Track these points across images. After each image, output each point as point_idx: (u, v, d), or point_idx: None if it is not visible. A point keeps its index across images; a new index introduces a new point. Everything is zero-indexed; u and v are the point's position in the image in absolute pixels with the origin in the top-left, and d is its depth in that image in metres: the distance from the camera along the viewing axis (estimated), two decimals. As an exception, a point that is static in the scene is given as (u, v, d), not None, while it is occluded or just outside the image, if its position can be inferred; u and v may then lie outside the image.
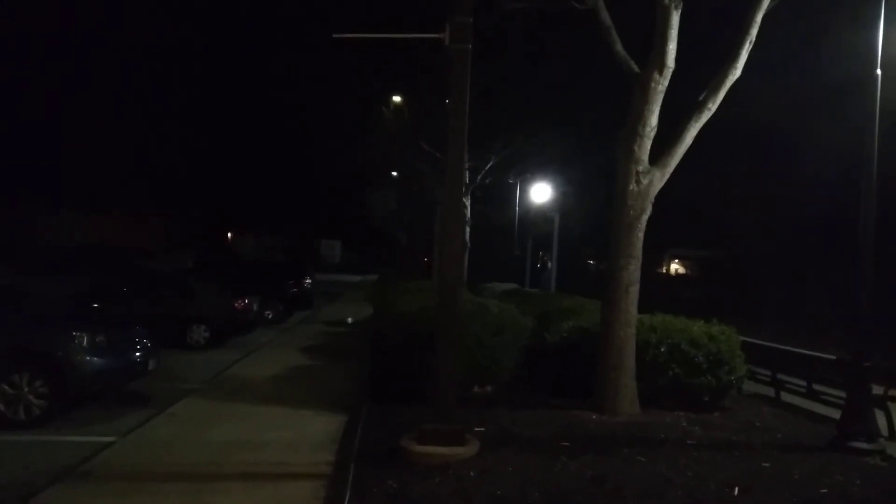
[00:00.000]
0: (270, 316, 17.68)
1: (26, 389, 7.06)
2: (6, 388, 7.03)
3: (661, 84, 7.76)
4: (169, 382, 9.34)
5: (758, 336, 10.62)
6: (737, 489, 5.43)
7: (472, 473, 5.57)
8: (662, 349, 8.12)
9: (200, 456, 6.16)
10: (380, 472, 5.52)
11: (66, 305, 11.04)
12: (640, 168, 7.85)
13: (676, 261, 46.82)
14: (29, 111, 28.39)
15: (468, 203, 17.18)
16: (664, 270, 45.81)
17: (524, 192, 23.94)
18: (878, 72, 6.79)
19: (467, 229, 16.78)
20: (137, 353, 8.18)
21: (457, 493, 5.17)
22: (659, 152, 7.99)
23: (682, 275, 46.23)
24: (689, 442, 6.81)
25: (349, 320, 19.23)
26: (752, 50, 7.82)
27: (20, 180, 28.32)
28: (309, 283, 21.66)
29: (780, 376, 9.40)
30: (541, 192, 22.37)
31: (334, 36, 7.14)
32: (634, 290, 7.90)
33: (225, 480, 5.55)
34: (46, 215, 31.18)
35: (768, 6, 7.67)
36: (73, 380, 7.27)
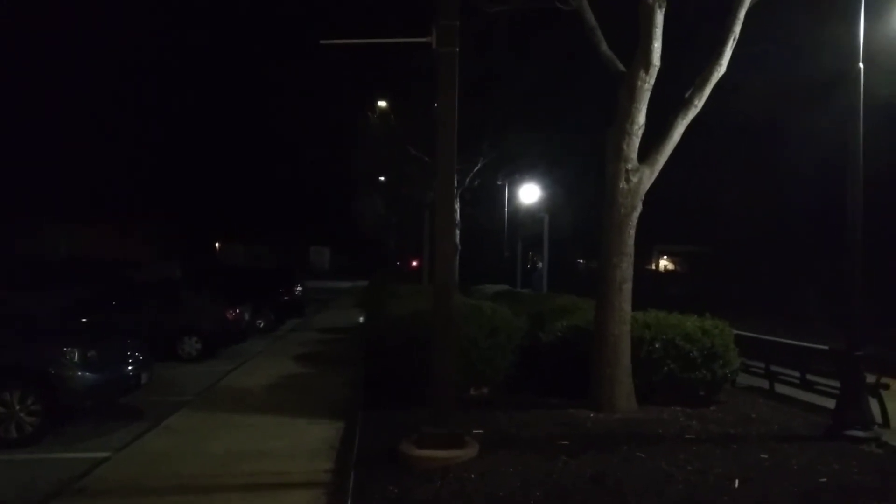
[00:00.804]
0: (262, 325, 17.55)
1: (17, 407, 6.95)
2: (-3, 405, 6.92)
3: (648, 82, 7.81)
4: (162, 395, 9.24)
5: (750, 329, 10.69)
6: (737, 481, 5.46)
7: (472, 476, 5.56)
8: (657, 345, 8.16)
9: (198, 468, 6.10)
10: (380, 478, 5.49)
11: (55, 320, 10.91)
12: (630, 166, 7.89)
13: (665, 257, 47.09)
14: (11, 123, 28.07)
15: (457, 206, 17.19)
16: (653, 267, 46.04)
17: (513, 193, 24.00)
18: (861, 65, 6.88)
19: (457, 232, 16.78)
20: (129, 367, 8.09)
21: (458, 496, 5.15)
22: (647, 150, 8.04)
23: (671, 271, 46.50)
24: (687, 436, 6.85)
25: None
26: (736, 46, 7.89)
27: (2, 193, 27.97)
28: (300, 291, 21.54)
29: (774, 368, 9.47)
30: (529, 193, 22.44)
31: (321, 42, 7.12)
32: (627, 288, 7.94)
33: (224, 492, 5.50)
34: (30, 228, 30.78)
35: (751, 2, 7.75)
36: (65, 396, 7.16)
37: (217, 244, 54.71)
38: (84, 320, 11.75)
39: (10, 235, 28.44)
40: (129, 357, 8.18)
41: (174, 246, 38.91)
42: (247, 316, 14.90)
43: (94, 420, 7.78)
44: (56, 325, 9.87)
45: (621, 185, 7.89)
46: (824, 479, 5.56)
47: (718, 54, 7.84)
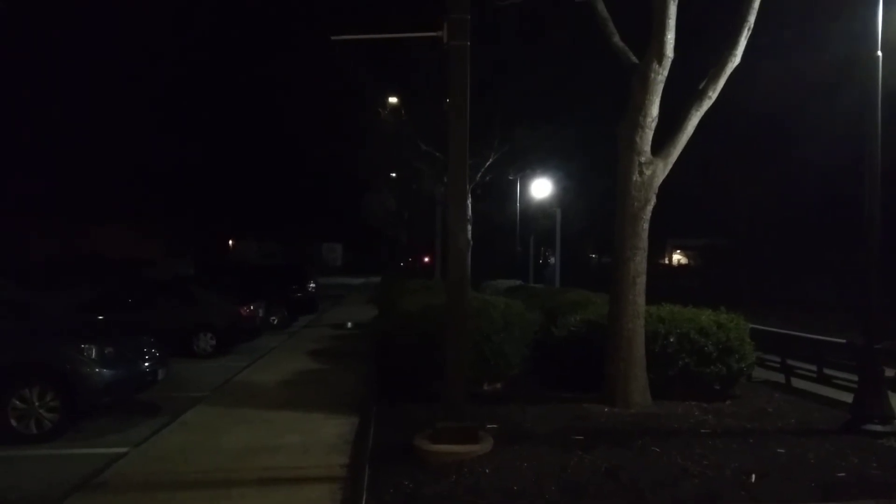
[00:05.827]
0: (276, 321, 17.66)
1: (37, 403, 7.05)
2: (17, 402, 7.01)
3: (661, 74, 7.73)
4: (178, 391, 9.33)
5: (765, 323, 10.60)
6: (753, 476, 5.41)
7: (486, 470, 5.56)
8: (671, 339, 8.10)
9: (214, 463, 6.15)
10: (394, 473, 5.51)
11: (71, 318, 11.03)
12: (643, 159, 7.83)
13: (678, 251, 46.79)
14: (23, 121, 28.34)
15: (469, 201, 17.16)
16: (666, 262, 45.76)
17: (524, 188, 23.93)
18: (879, 53, 6.77)
19: (469, 227, 16.76)
20: (146, 363, 8.16)
21: (472, 491, 5.16)
22: (660, 142, 7.97)
23: (685, 265, 46.20)
24: (702, 431, 6.80)
25: (349, 326, 19.10)
26: (750, 36, 7.79)
27: (14, 191, 28.29)
28: (313, 287, 21.63)
29: (790, 362, 9.38)
30: (541, 188, 22.39)
31: (332, 38, 7.12)
32: (641, 282, 7.88)
33: (240, 486, 5.54)
34: (43, 227, 31.12)
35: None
36: (83, 392, 7.25)
37: (230, 241, 55.09)
38: (100, 318, 11.88)
39: (26, 236, 28.79)
40: (146, 354, 8.26)
41: (188, 244, 39.21)
42: (260, 312, 14.99)
43: (112, 416, 7.87)
44: (73, 322, 9.97)
45: (634, 178, 7.83)
46: (843, 474, 5.50)
47: (733, 44, 7.74)
